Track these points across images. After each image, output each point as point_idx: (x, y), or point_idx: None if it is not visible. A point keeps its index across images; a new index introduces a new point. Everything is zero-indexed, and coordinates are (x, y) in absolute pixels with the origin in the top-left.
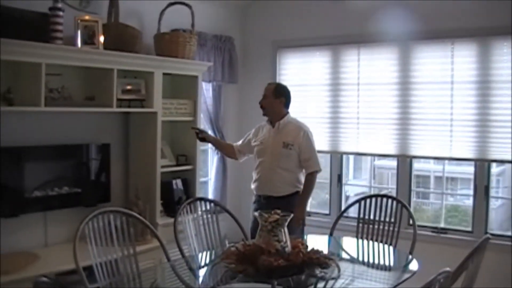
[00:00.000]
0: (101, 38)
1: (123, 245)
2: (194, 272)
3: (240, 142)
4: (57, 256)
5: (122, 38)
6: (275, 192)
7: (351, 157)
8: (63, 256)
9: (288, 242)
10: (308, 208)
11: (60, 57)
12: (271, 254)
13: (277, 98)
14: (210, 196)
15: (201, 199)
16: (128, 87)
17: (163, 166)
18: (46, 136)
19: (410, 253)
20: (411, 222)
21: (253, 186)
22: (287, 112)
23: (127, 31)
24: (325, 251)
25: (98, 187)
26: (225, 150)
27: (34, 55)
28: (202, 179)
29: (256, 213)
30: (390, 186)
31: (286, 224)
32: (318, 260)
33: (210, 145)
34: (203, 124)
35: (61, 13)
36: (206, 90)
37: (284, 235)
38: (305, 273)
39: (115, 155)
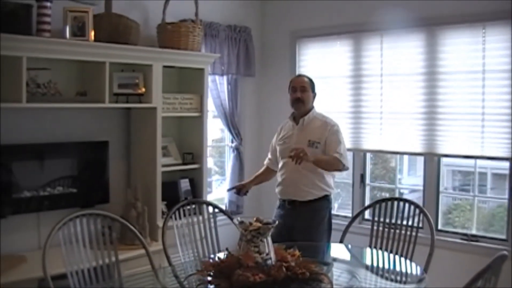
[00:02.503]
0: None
1: (103, 250)
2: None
3: (269, 154)
4: (47, 259)
5: (115, 29)
6: (300, 196)
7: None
8: (53, 260)
9: (272, 254)
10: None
11: (44, 50)
12: (249, 268)
13: (313, 91)
14: (227, 197)
15: (196, 201)
16: (124, 82)
17: (166, 165)
18: (38, 134)
19: (425, 269)
20: (440, 227)
21: (277, 189)
22: (313, 107)
23: (120, 21)
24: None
25: (96, 187)
26: (267, 176)
27: (13, 49)
28: (220, 178)
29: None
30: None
31: (270, 233)
32: (303, 275)
33: (228, 139)
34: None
35: (48, 4)
36: (220, 84)
37: (267, 245)
38: None
39: (116, 153)
